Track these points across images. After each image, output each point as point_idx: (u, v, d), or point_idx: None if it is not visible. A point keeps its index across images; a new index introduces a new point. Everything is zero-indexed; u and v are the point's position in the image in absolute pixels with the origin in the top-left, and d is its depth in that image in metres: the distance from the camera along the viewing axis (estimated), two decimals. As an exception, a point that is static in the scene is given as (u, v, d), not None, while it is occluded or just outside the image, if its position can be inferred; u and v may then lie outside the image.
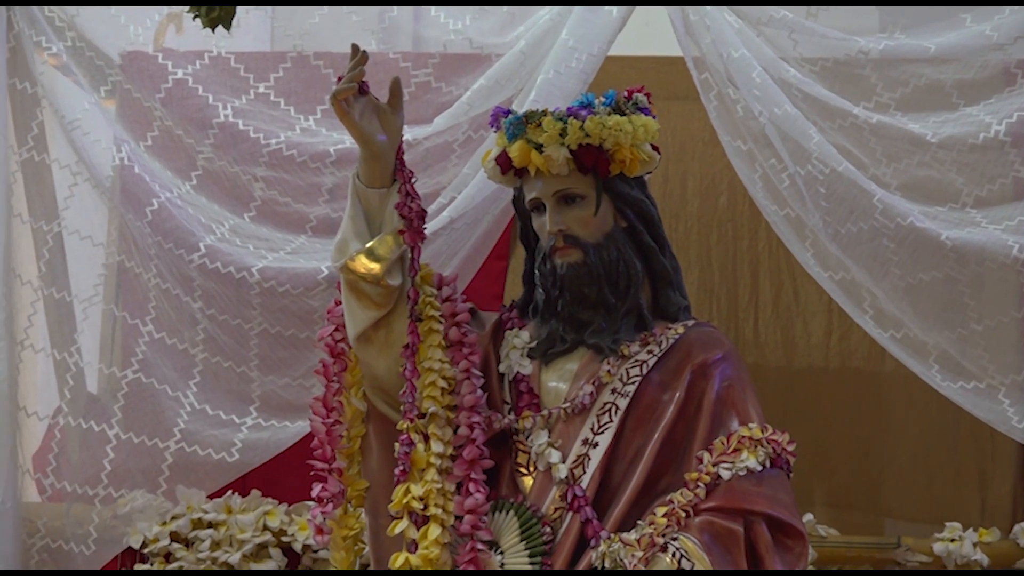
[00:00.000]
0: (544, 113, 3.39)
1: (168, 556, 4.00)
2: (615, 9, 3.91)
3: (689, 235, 4.33)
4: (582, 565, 3.25)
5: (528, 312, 3.51)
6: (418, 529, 3.25)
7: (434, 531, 3.24)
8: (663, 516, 3.22)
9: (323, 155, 3.98)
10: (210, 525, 4.00)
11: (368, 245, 3.30)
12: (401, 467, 3.28)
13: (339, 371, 3.40)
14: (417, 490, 3.26)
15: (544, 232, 3.43)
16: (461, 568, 3.25)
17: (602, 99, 3.41)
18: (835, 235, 3.81)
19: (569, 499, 3.29)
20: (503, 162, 3.45)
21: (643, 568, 3.17)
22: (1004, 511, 4.18)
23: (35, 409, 4.12)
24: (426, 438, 3.30)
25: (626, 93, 3.43)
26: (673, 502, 3.24)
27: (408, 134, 3.65)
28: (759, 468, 3.28)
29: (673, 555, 3.18)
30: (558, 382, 3.40)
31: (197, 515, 3.99)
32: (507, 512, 3.32)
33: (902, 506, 4.25)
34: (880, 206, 3.78)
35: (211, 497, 4.01)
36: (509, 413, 3.40)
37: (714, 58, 3.86)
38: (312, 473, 3.38)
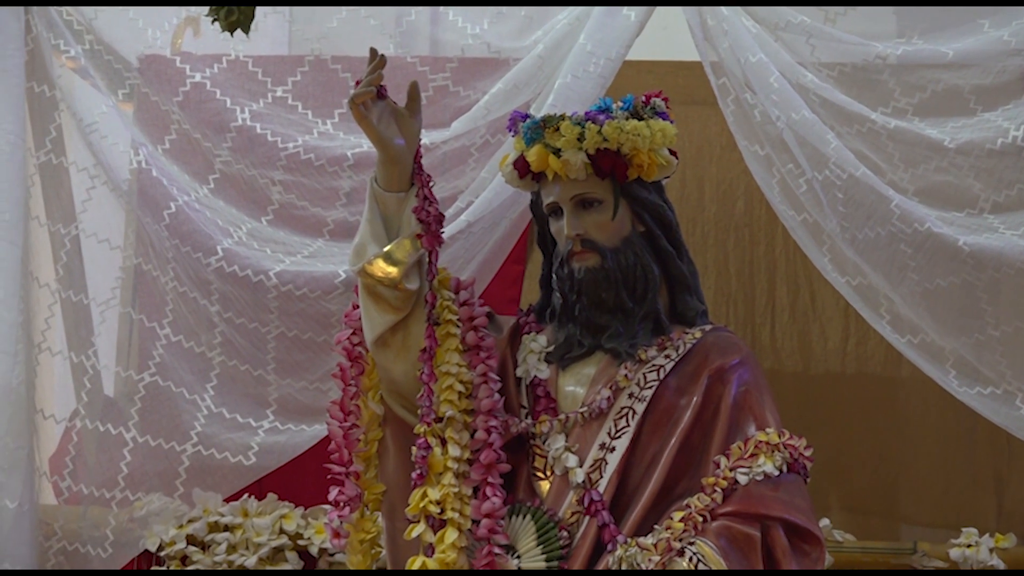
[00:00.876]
0: (562, 117, 3.40)
1: (184, 559, 3.99)
2: (633, 13, 3.91)
3: (706, 240, 4.33)
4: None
5: (545, 316, 3.51)
6: (435, 533, 3.26)
7: (451, 535, 3.25)
8: (680, 521, 3.22)
9: (341, 159, 3.98)
10: (226, 528, 4.00)
11: (386, 249, 3.30)
12: (418, 471, 3.28)
13: (356, 375, 3.41)
14: (434, 494, 3.26)
15: (561, 236, 3.43)
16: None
17: (620, 103, 3.41)
18: (852, 240, 3.81)
19: (586, 503, 3.29)
20: (521, 166, 3.45)
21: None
22: (1021, 517, 4.18)
23: (52, 412, 4.11)
24: (443, 442, 3.30)
25: (644, 98, 3.44)
26: (690, 507, 3.24)
27: (426, 138, 3.64)
28: (776, 473, 3.27)
29: (690, 559, 3.18)
30: (575, 386, 3.40)
31: (213, 518, 3.99)
32: (524, 516, 3.32)
33: (918, 511, 4.25)
34: (897, 211, 3.77)
35: (227, 500, 4.00)
36: (526, 417, 3.40)
37: (732, 63, 3.86)
38: (329, 477, 3.39)
